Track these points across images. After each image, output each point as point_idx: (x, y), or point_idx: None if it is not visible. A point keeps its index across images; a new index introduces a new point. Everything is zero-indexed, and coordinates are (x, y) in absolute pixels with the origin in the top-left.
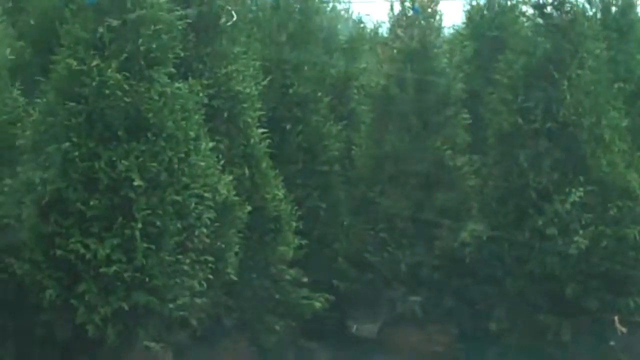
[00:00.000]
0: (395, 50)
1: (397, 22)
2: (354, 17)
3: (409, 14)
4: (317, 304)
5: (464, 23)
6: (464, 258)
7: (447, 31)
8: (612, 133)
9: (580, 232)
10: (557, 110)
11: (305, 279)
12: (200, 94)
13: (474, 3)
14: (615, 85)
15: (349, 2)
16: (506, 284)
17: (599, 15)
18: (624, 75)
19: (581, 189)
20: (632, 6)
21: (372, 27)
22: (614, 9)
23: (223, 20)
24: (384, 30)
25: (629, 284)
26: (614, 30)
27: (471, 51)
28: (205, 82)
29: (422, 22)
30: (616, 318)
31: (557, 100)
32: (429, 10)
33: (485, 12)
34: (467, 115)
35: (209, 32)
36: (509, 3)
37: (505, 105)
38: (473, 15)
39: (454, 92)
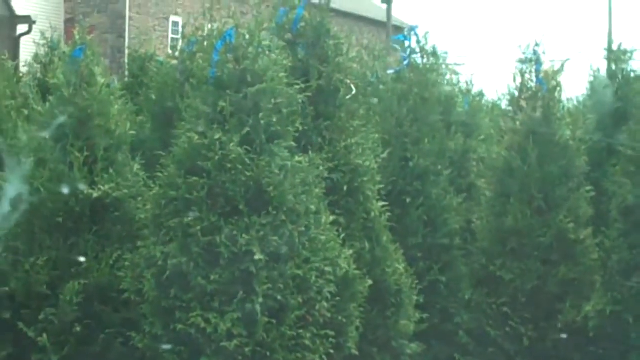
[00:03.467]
0: (517, 122)
1: (519, 93)
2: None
3: (530, 86)
4: None
5: (586, 94)
6: (587, 332)
7: (569, 102)
8: None
9: None
10: None
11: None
12: (320, 168)
13: (597, 75)
14: None
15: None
16: (631, 358)
17: None
18: None
19: None
20: None
21: (491, 99)
22: None
23: (342, 93)
24: (497, 101)
25: None
26: None
27: (594, 123)
28: (325, 155)
29: (545, 93)
30: None
31: None
32: (552, 81)
33: (608, 83)
34: (590, 188)
35: (328, 106)
36: (632, 74)
37: (629, 177)
38: (596, 87)
39: (577, 164)
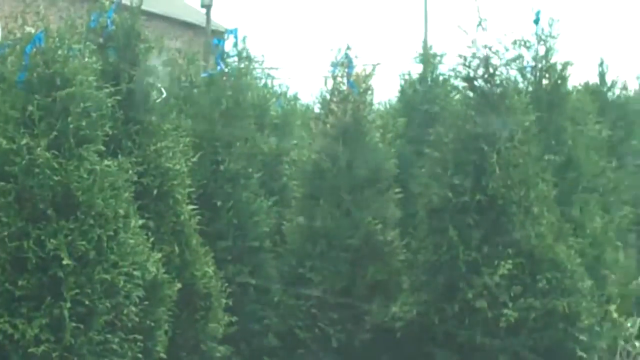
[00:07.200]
0: (328, 125)
1: (331, 96)
2: (287, 93)
3: (342, 89)
4: None
5: (396, 97)
6: (395, 333)
7: (380, 106)
8: (541, 205)
9: (510, 304)
10: (487, 183)
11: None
12: (130, 171)
13: (407, 77)
14: (545, 157)
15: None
16: (437, 358)
17: (530, 89)
18: (555, 148)
19: (510, 261)
20: (564, 79)
21: (306, 102)
22: (545, 82)
23: (152, 97)
24: (311, 105)
25: (558, 356)
26: (545, 102)
27: (403, 125)
28: (134, 159)
29: (356, 96)
30: None
31: (487, 174)
32: (363, 85)
33: (417, 86)
34: (398, 190)
35: (138, 109)
36: (441, 77)
37: (435, 179)
38: (405, 90)
39: (386, 166)
